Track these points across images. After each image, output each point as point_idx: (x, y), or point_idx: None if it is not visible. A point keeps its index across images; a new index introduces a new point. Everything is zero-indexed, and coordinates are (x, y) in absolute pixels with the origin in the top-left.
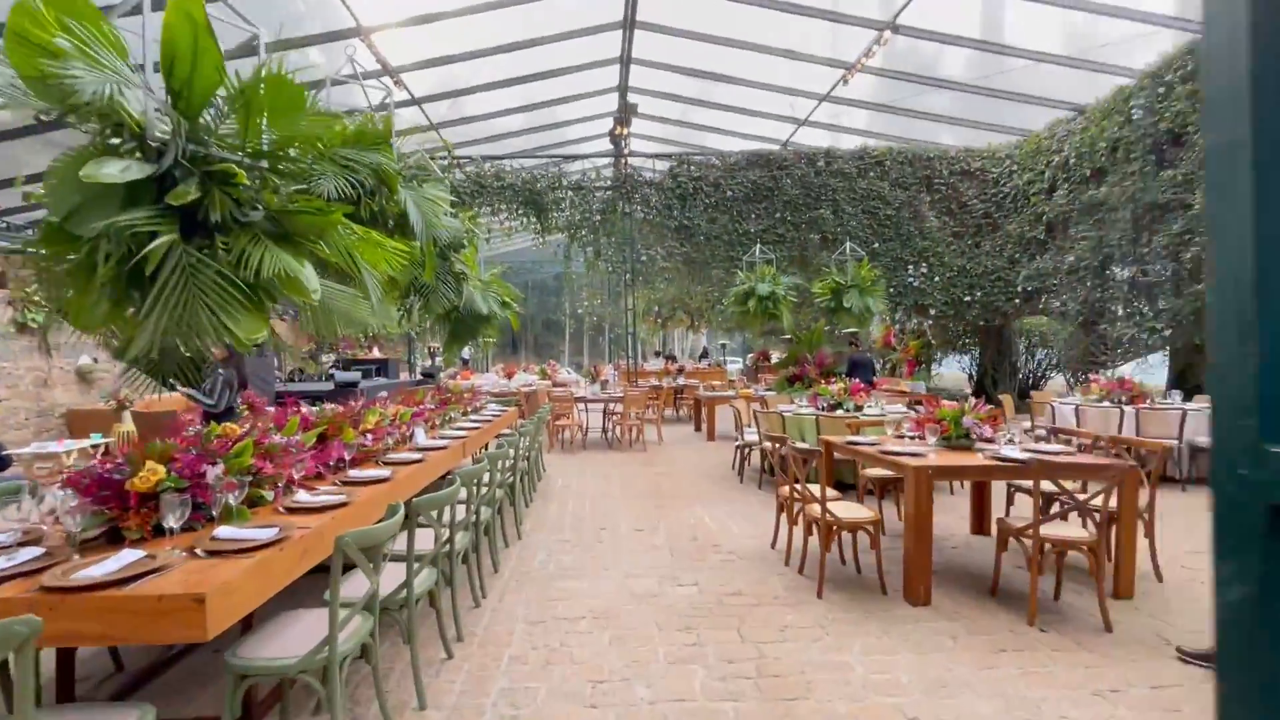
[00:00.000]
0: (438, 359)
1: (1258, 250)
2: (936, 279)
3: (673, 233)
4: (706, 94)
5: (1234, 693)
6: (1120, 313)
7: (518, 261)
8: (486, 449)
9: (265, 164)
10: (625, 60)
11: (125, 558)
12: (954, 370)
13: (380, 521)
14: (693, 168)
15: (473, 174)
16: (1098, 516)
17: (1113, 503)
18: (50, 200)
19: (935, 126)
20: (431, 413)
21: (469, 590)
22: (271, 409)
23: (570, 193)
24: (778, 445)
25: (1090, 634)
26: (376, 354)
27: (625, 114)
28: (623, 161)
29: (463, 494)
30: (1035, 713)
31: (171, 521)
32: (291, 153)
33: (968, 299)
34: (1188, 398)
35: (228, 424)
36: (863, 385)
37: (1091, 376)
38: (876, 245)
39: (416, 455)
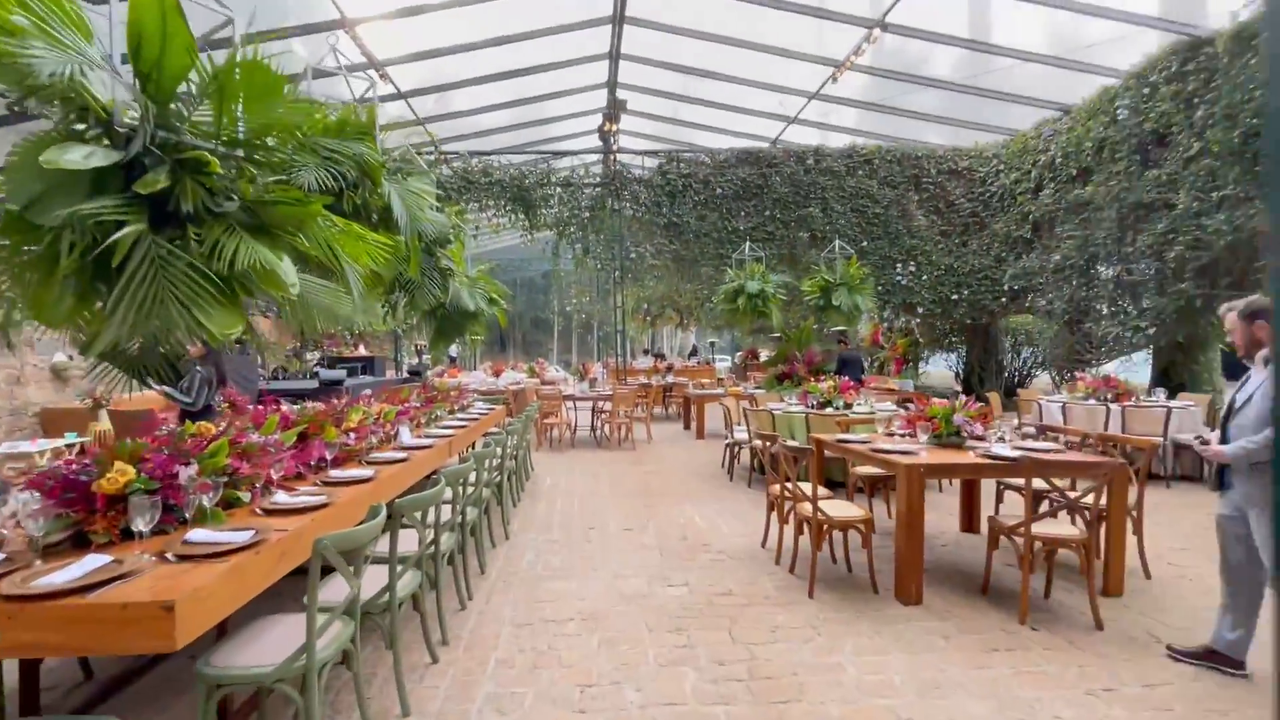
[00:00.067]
0: (425, 357)
1: None
2: (924, 277)
3: (662, 230)
4: (696, 90)
5: None
6: (1105, 311)
7: (506, 259)
8: (474, 448)
9: (241, 152)
10: (614, 56)
11: (90, 563)
12: (940, 368)
13: (362, 523)
14: (682, 165)
15: (460, 169)
16: (1088, 514)
17: (1102, 500)
18: (10, 188)
19: (923, 125)
20: (417, 411)
21: (454, 592)
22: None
23: (559, 189)
24: (768, 443)
25: (1081, 632)
26: (363, 352)
27: (614, 110)
28: (612, 158)
29: (448, 494)
30: (1029, 713)
31: (140, 525)
32: (270, 142)
33: (955, 297)
34: (1171, 395)
35: (203, 423)
36: (852, 383)
37: (1077, 374)
38: (865, 243)
39: (401, 454)
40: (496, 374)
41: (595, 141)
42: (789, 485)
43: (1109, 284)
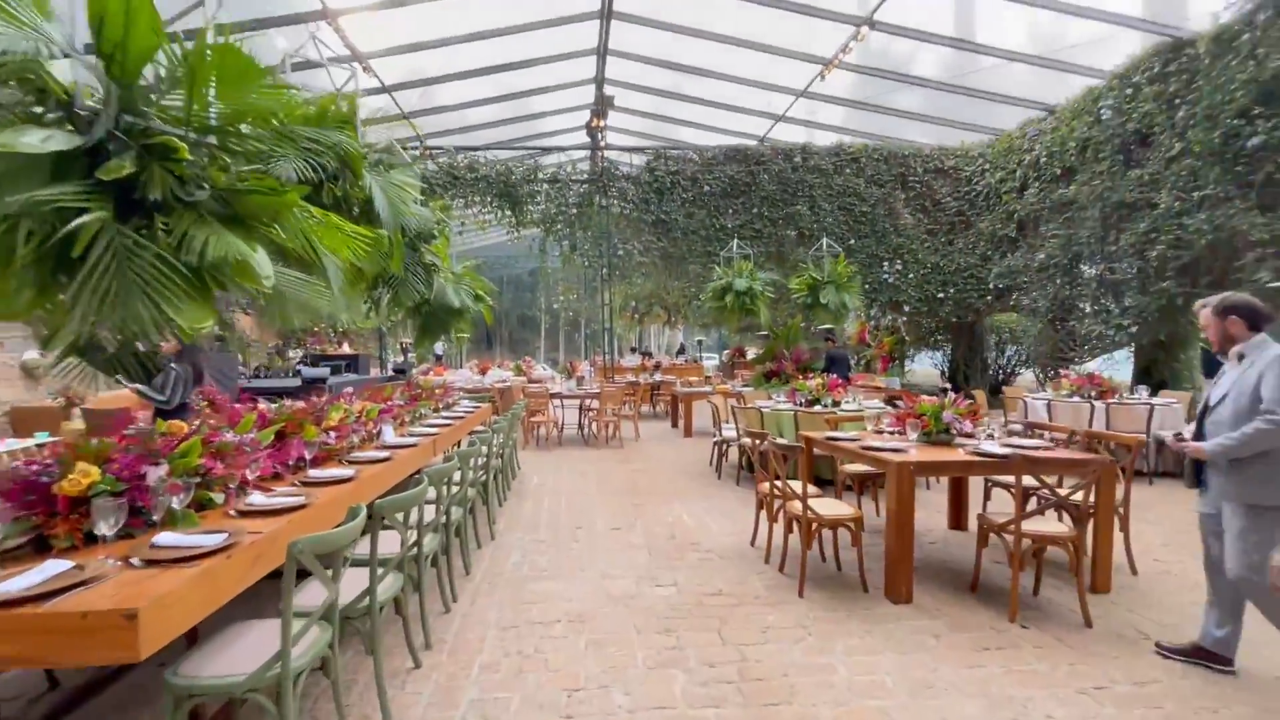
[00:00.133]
0: (410, 354)
1: None
2: (911, 276)
3: (650, 227)
4: (684, 88)
5: None
6: (1088, 309)
7: (492, 255)
8: (459, 446)
9: (213, 139)
10: (602, 52)
11: (50, 569)
12: (926, 366)
13: (340, 525)
14: (670, 162)
15: (445, 165)
16: (1077, 511)
17: (1090, 497)
18: None
19: (909, 124)
20: (401, 409)
21: (438, 594)
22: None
23: (546, 185)
24: (757, 441)
25: (1071, 630)
26: (347, 350)
27: (602, 106)
28: (599, 155)
29: (432, 494)
30: (1021, 712)
31: (104, 528)
32: (244, 129)
33: (941, 296)
34: (1153, 393)
35: (175, 421)
36: (840, 381)
37: (1062, 372)
38: (852, 242)
39: (383, 454)
40: (483, 372)
41: (583, 138)
42: (778, 483)
43: (1092, 282)
